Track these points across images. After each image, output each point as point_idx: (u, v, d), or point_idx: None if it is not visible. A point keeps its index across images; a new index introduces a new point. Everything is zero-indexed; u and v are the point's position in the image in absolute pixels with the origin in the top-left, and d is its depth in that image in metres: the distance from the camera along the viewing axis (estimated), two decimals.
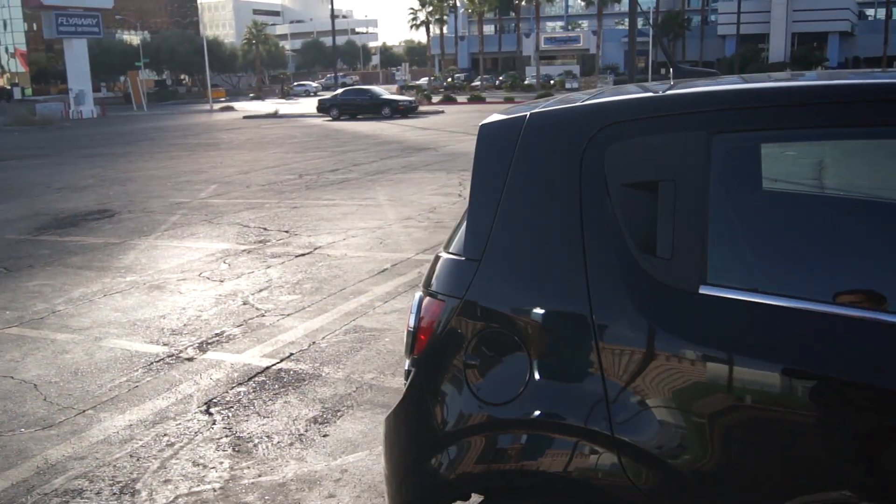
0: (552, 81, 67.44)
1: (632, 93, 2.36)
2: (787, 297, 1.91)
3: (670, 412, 1.99)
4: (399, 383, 5.01)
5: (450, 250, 2.36)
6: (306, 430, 4.38)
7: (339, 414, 4.59)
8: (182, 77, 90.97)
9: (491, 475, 2.17)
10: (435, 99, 50.43)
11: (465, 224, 2.33)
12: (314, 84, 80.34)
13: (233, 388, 5.03)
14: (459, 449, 2.21)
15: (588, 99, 2.31)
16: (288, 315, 6.56)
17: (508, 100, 48.97)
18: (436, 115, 37.18)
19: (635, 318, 2.02)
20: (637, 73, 72.78)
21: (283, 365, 5.41)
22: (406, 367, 2.46)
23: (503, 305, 2.19)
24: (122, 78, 74.06)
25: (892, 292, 1.88)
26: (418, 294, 2.41)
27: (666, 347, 1.97)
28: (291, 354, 5.61)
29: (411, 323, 2.36)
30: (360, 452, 4.12)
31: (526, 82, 67.66)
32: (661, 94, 2.22)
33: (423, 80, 71.99)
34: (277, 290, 7.38)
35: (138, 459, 4.10)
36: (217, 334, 6.15)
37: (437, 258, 2.40)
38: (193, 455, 4.13)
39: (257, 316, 6.59)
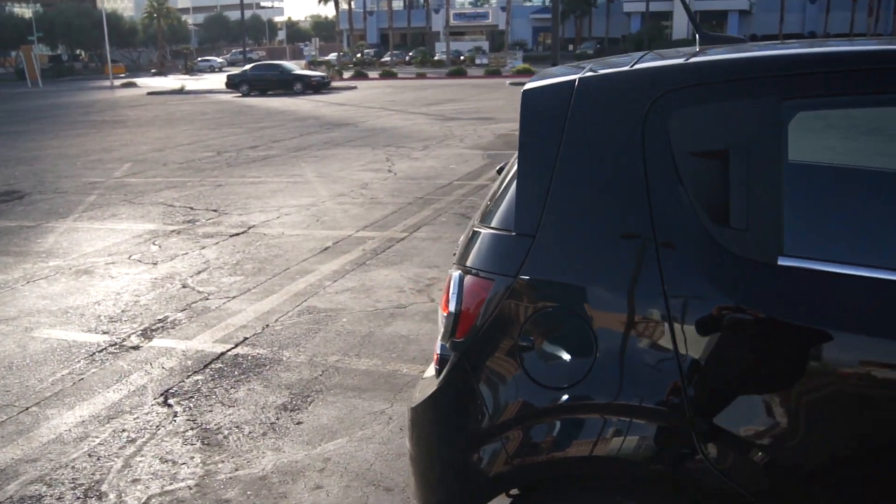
0: (462, 57, 67.32)
1: (682, 56, 2.21)
2: (869, 266, 1.81)
3: (750, 389, 1.87)
4: (367, 365, 4.80)
5: (491, 225, 2.17)
6: (278, 419, 4.14)
7: (309, 400, 4.35)
8: (78, 52, 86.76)
9: (548, 464, 2.01)
10: (346, 74, 49.69)
11: (508, 196, 2.15)
12: (219, 59, 77.85)
13: (189, 376, 4.72)
14: (513, 437, 2.04)
15: (637, 62, 2.15)
16: (233, 297, 6.24)
17: (420, 75, 48.73)
18: (349, 91, 36.58)
19: (711, 293, 1.88)
20: (544, 50, 73.39)
21: (238, 350, 5.11)
22: (439, 353, 2.26)
23: (563, 283, 2.02)
24: (13, 53, 70.11)
25: None
26: (455, 273, 2.20)
27: (744, 322, 1.85)
28: (246, 339, 5.31)
29: (452, 306, 2.16)
30: (340, 439, 3.90)
31: (436, 58, 67.28)
32: (725, 57, 2.09)
33: (332, 56, 70.59)
34: (217, 272, 7.01)
35: (98, 459, 3.78)
36: (160, 320, 5.78)
37: (475, 233, 2.21)
38: (159, 451, 3.83)
39: (200, 299, 6.23)
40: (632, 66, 2.12)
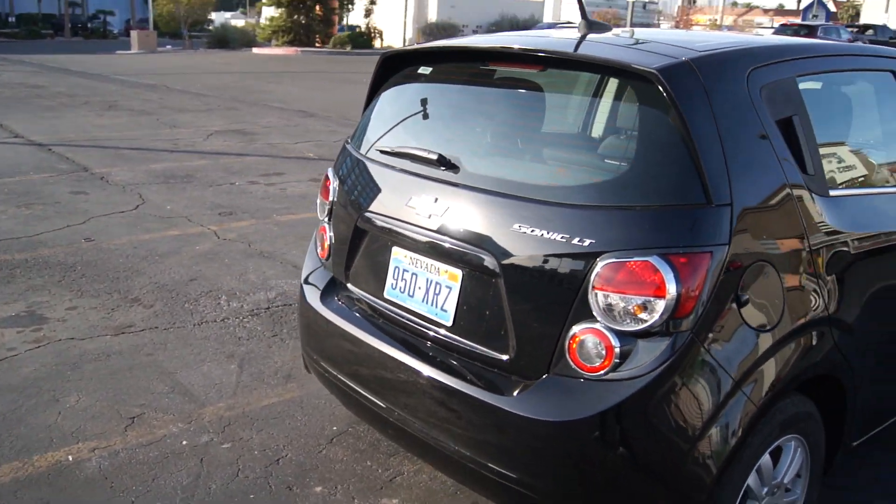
0: None
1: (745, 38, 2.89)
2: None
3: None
4: (46, 463, 3.61)
5: (669, 202, 2.28)
6: None
7: None
8: None
9: (782, 392, 2.43)
10: None
11: (662, 171, 2.32)
12: None
13: None
14: (754, 384, 2.33)
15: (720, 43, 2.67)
16: None
17: None
18: None
19: (818, 223, 2.58)
20: None
21: None
22: (617, 346, 2.26)
23: (758, 238, 2.34)
24: None
25: None
26: (652, 257, 2.22)
27: (841, 242, 2.68)
28: None
29: (672, 288, 2.20)
30: None
31: None
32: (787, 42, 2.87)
33: None
34: None
35: None
36: None
37: (631, 214, 2.28)
38: None
39: None
40: (735, 47, 2.64)
